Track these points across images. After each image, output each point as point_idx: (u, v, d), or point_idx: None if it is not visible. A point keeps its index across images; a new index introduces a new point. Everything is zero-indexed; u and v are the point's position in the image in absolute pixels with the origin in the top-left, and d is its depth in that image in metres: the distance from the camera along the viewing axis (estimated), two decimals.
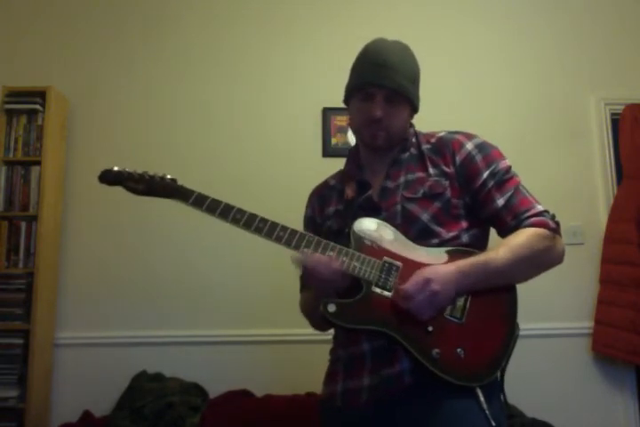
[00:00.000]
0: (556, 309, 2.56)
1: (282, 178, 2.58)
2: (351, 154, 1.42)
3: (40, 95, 2.44)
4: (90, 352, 2.45)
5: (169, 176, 1.28)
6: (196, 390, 2.33)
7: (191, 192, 1.25)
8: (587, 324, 2.55)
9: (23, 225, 2.37)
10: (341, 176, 1.42)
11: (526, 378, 2.44)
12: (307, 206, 1.48)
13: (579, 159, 2.71)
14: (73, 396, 2.40)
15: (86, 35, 2.72)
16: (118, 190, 1.29)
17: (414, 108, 1.32)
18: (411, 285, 1.11)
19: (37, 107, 2.43)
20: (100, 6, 2.76)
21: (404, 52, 1.31)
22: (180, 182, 1.27)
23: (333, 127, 2.65)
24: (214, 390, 2.34)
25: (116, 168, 1.28)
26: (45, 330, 2.38)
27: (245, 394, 2.34)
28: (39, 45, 2.70)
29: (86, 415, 2.28)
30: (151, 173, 1.28)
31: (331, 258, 1.16)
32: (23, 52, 2.70)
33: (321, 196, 1.43)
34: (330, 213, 1.36)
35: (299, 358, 2.34)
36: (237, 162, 2.63)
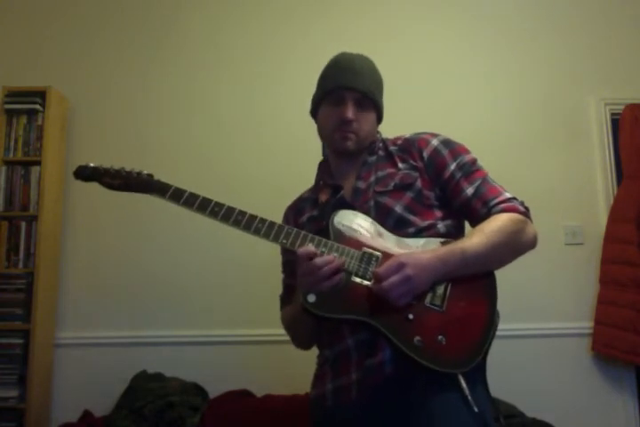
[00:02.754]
0: (556, 309, 2.56)
1: (282, 178, 2.58)
2: (321, 166, 1.46)
3: (40, 95, 2.45)
4: (90, 352, 2.45)
5: (145, 172, 1.27)
6: (196, 390, 2.33)
7: (168, 186, 1.24)
8: (587, 324, 2.55)
9: (23, 225, 2.37)
10: (314, 187, 1.45)
11: (526, 378, 2.45)
12: (282, 222, 1.47)
13: (579, 159, 2.71)
14: (73, 396, 2.40)
15: (86, 35, 2.73)
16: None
17: (380, 117, 1.38)
18: (383, 268, 1.12)
19: (37, 107, 2.43)
20: (100, 6, 2.76)
21: (369, 63, 1.37)
22: (156, 178, 1.27)
23: None
24: (214, 390, 2.34)
25: (91, 164, 1.27)
26: (45, 330, 2.38)
27: (245, 394, 2.34)
28: (39, 45, 2.71)
29: (86, 415, 2.28)
30: (128, 168, 1.28)
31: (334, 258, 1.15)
32: (23, 52, 2.70)
33: (296, 210, 1.45)
34: (304, 220, 1.37)
35: (298, 358, 2.33)
36: (237, 162, 2.63)
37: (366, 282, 1.15)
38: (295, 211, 1.45)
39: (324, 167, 1.44)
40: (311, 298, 1.12)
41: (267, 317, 2.43)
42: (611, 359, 2.51)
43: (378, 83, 1.36)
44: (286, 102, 2.68)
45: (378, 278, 1.12)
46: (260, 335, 2.46)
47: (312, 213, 1.36)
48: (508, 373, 2.31)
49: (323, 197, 1.34)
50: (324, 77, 1.37)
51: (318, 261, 1.12)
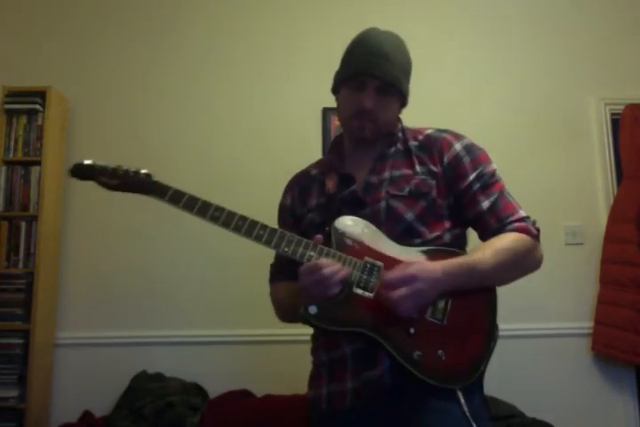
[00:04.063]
0: (556, 309, 2.56)
1: (281, 178, 2.57)
2: (335, 142, 1.40)
3: (40, 95, 2.45)
4: (90, 352, 2.45)
5: (143, 171, 1.21)
6: (196, 390, 2.34)
7: (167, 188, 1.19)
8: (587, 324, 2.55)
9: (23, 225, 2.37)
10: (323, 166, 1.39)
11: (526, 378, 2.45)
12: (285, 194, 1.45)
13: (579, 159, 2.71)
14: (73, 396, 2.40)
15: (86, 35, 2.73)
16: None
17: (404, 102, 1.31)
18: (395, 277, 1.09)
19: (37, 107, 2.43)
20: (100, 6, 2.76)
21: (398, 44, 1.28)
22: (155, 178, 1.21)
23: (333, 127, 2.65)
24: (214, 390, 2.34)
25: (87, 161, 1.21)
26: (45, 330, 2.38)
27: (245, 394, 2.34)
28: (39, 45, 2.71)
29: (86, 415, 2.28)
30: (125, 167, 1.21)
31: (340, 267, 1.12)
32: (23, 52, 2.70)
33: (302, 186, 1.40)
34: (311, 205, 1.33)
35: (299, 358, 2.33)
36: (237, 162, 2.62)
37: (368, 294, 1.14)
38: (301, 188, 1.40)
39: (337, 144, 1.38)
40: (313, 310, 1.11)
41: (267, 317, 2.43)
42: (611, 359, 2.51)
43: (405, 66, 1.28)
44: (286, 102, 2.68)
45: (387, 287, 1.09)
46: (260, 335, 2.46)
47: (319, 199, 1.32)
48: (508, 373, 2.31)
49: (330, 185, 1.29)
50: (350, 55, 1.29)
51: (327, 271, 1.09)
